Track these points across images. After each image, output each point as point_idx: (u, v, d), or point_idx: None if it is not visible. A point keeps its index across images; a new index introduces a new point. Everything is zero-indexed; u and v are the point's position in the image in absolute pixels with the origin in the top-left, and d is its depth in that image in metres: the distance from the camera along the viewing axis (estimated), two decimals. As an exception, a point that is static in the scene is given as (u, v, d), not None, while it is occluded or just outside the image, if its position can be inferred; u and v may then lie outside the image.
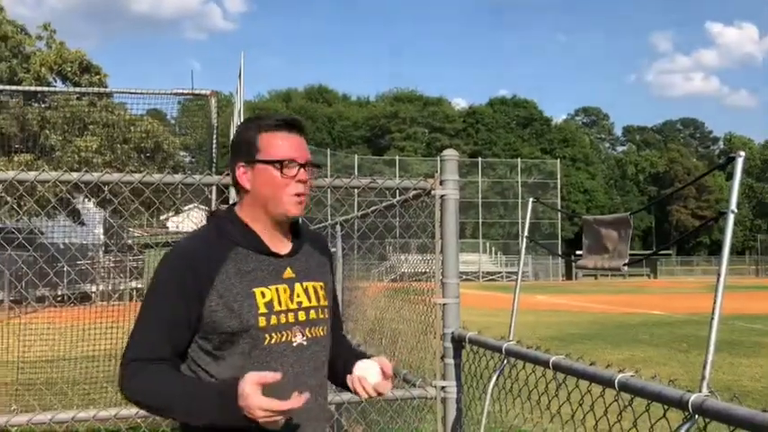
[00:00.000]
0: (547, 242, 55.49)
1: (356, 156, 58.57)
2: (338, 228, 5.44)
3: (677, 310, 20.54)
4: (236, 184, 1.74)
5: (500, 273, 54.80)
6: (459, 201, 3.04)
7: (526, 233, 2.72)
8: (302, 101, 71.92)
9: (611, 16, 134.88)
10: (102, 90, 17.60)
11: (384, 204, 3.58)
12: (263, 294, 1.66)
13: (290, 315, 1.69)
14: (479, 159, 61.94)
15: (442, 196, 3.00)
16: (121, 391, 1.65)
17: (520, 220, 56.38)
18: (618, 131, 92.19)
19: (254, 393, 1.50)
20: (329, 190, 3.06)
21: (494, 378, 2.50)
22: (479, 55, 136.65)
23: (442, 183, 3.01)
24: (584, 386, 1.92)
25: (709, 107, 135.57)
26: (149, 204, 3.52)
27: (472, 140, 70.64)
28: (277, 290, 1.69)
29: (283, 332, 1.68)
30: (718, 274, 1.43)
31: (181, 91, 7.57)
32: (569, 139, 72.41)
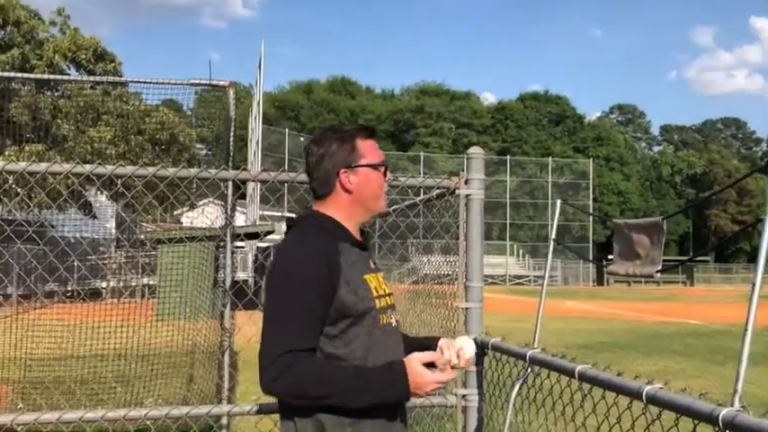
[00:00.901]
0: (577, 245, 55.07)
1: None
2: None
3: (714, 319, 20.29)
4: (332, 187, 1.97)
5: (528, 276, 54.53)
6: (484, 201, 3.04)
7: (554, 235, 2.72)
8: (324, 93, 72.17)
9: (650, 9, 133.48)
10: (116, 79, 17.80)
11: (406, 203, 3.59)
12: (369, 281, 1.92)
13: (387, 299, 1.98)
14: (508, 157, 61.68)
15: (467, 196, 3.00)
16: (270, 385, 1.76)
17: (549, 222, 56.03)
18: (655, 130, 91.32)
19: (426, 371, 1.81)
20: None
21: (516, 387, 2.50)
22: (510, 48, 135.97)
23: (467, 182, 3.01)
24: (610, 398, 1.92)
25: (753, 106, 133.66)
26: (163, 199, 3.57)
27: (501, 137, 70.36)
28: (376, 278, 1.97)
29: (387, 314, 1.96)
30: (753, 284, 1.42)
31: (198, 81, 7.64)
32: (603, 138, 71.80)
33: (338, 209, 1.99)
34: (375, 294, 1.91)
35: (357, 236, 2.02)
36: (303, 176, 3.14)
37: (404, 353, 1.97)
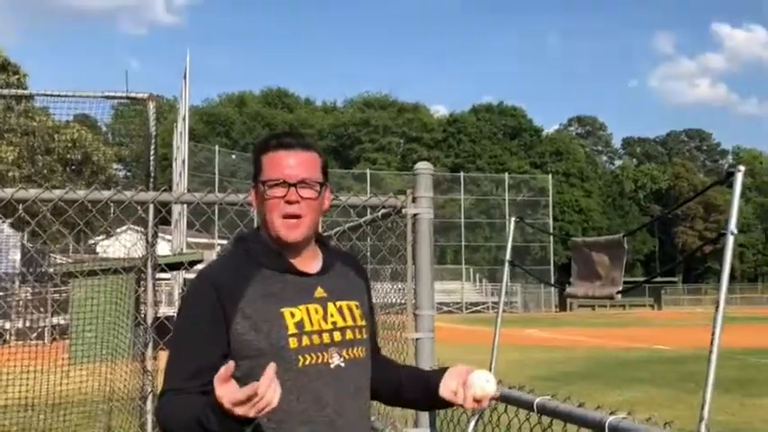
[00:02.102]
0: (537, 268, 55.93)
1: (319, 169, 58.61)
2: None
3: (684, 344, 20.78)
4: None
5: (485, 303, 55.04)
6: (436, 221, 3.06)
7: (509, 257, 2.76)
8: (258, 106, 71.98)
9: (609, 15, 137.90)
10: (20, 92, 17.39)
11: (348, 225, 3.60)
12: (291, 315, 1.81)
13: (325, 336, 1.83)
14: (462, 174, 62.41)
15: (415, 215, 3.02)
16: (158, 422, 1.82)
17: (506, 243, 56.78)
18: (616, 143, 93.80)
19: (218, 387, 1.55)
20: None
21: (472, 423, 2.51)
22: (461, 57, 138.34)
23: (414, 200, 3.03)
24: (572, 431, 1.94)
25: (717, 117, 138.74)
26: (74, 226, 3.48)
27: (453, 152, 71.26)
28: (307, 309, 1.83)
29: (318, 353, 1.81)
30: (717, 303, 1.47)
31: (114, 94, 7.52)
32: (562, 152, 73.44)
33: (263, 229, 1.93)
34: (295, 331, 1.79)
35: (302, 259, 1.90)
36: (233, 197, 3.11)
37: (365, 393, 1.91)
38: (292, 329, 1.79)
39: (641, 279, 64.74)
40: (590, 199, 71.51)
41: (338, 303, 1.88)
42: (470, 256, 60.37)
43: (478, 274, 59.41)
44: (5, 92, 16.97)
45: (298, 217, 1.84)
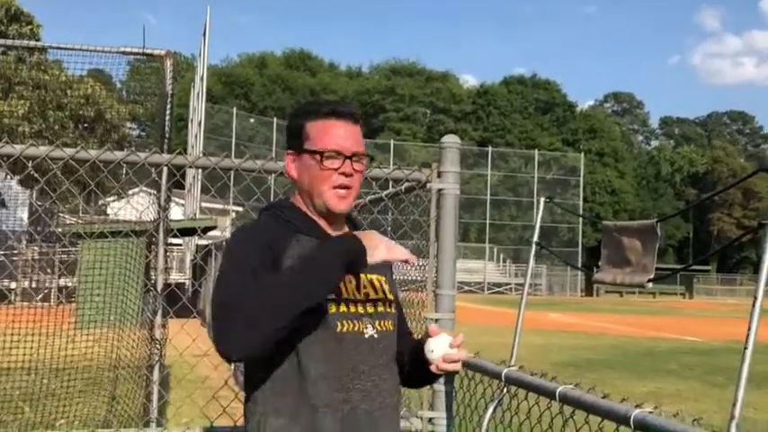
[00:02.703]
0: (564, 250, 55.76)
1: (341, 137, 58.51)
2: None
3: (714, 336, 20.71)
4: (286, 173, 2.02)
5: (508, 284, 55.02)
6: (460, 197, 3.05)
7: (537, 238, 2.74)
8: (280, 68, 71.78)
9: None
10: (33, 44, 17.45)
11: (370, 198, 3.59)
12: None
13: (360, 305, 1.92)
14: (489, 148, 62.13)
15: (440, 191, 3.01)
16: (226, 340, 1.69)
17: (534, 223, 56.61)
18: (654, 123, 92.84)
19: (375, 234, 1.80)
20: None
21: (490, 410, 2.52)
22: (493, 25, 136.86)
23: (440, 174, 3.02)
24: (594, 422, 1.95)
25: (762, 99, 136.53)
26: (85, 185, 3.50)
27: (482, 125, 70.84)
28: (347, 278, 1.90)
29: (354, 321, 1.89)
30: (755, 297, 1.45)
31: (130, 50, 7.53)
32: (596, 130, 72.75)
33: (297, 198, 2.01)
34: (333, 297, 1.85)
35: (334, 229, 1.98)
36: (250, 163, 3.11)
37: (395, 366, 2.00)
38: (330, 294, 1.83)
39: (674, 267, 64.34)
40: (623, 180, 70.91)
41: (369, 276, 1.96)
42: (495, 234, 60.26)
43: (502, 254, 59.31)
44: (17, 43, 17.03)
45: (348, 188, 1.94)
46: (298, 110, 2.02)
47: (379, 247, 1.79)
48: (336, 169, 1.92)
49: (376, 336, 1.92)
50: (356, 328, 1.89)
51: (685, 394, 10.81)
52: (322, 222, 1.96)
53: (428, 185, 3.04)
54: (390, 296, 2.01)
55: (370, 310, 1.94)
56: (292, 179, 2.00)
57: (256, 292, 1.70)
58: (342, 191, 1.93)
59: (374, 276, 1.99)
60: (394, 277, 2.18)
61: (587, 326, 24.52)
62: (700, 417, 1.65)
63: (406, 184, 3.16)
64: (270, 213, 1.99)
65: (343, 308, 1.88)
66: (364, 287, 1.95)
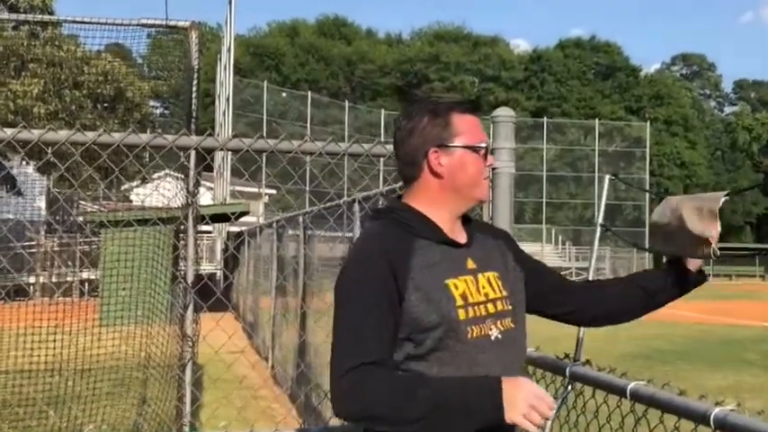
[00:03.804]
0: (629, 230, 55.10)
1: (383, 111, 58.46)
2: (356, 207, 5.45)
3: (801, 323, 20.41)
4: (420, 170, 2.09)
5: (569, 268, 54.56)
6: (515, 175, 3.03)
7: (601, 219, 2.72)
8: (313, 37, 71.83)
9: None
10: (47, 18, 17.70)
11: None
12: (455, 286, 2.01)
13: (482, 308, 2.04)
14: (545, 119, 61.53)
15: (494, 170, 3.00)
16: (345, 407, 1.88)
17: (596, 201, 56.09)
18: (727, 87, 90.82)
19: (526, 382, 1.85)
20: (345, 157, 3.06)
21: (554, 410, 2.51)
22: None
23: (492, 152, 3.00)
24: (670, 421, 1.94)
25: None
26: (107, 171, 3.57)
27: (536, 94, 70.18)
28: (466, 281, 2.04)
29: (481, 325, 2.02)
30: None
31: (151, 21, 7.59)
32: (663, 96, 71.58)
33: (426, 197, 2.10)
34: (461, 302, 1.99)
35: (455, 229, 2.12)
36: (286, 144, 3.13)
37: (521, 366, 2.16)
38: (459, 301, 1.98)
39: (751, 246, 63.19)
40: (694, 151, 69.72)
41: (486, 274, 2.09)
42: (552, 214, 59.77)
43: (561, 236, 58.83)
44: (30, 17, 17.27)
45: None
46: (438, 105, 2.13)
47: (517, 407, 1.79)
48: (485, 162, 2.13)
49: (500, 337, 2.04)
50: (483, 332, 2.02)
51: (769, 387, 10.70)
52: (445, 225, 2.08)
53: (480, 164, 3.02)
54: (504, 293, 2.11)
55: (492, 310, 2.05)
56: (436, 176, 2.08)
57: (393, 385, 1.84)
58: (488, 182, 2.25)
59: (491, 274, 2.11)
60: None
61: (657, 313, 23.62)
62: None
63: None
64: (387, 219, 2.10)
65: (471, 312, 2.00)
66: (483, 287, 2.06)
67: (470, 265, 2.07)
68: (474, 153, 2.09)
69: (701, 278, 2.34)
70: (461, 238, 2.12)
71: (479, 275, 2.07)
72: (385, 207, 2.19)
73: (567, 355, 2.54)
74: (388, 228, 2.06)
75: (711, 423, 1.72)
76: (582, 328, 2.58)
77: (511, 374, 1.95)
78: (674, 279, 2.32)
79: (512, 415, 1.79)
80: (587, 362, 2.42)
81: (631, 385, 2.08)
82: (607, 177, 2.72)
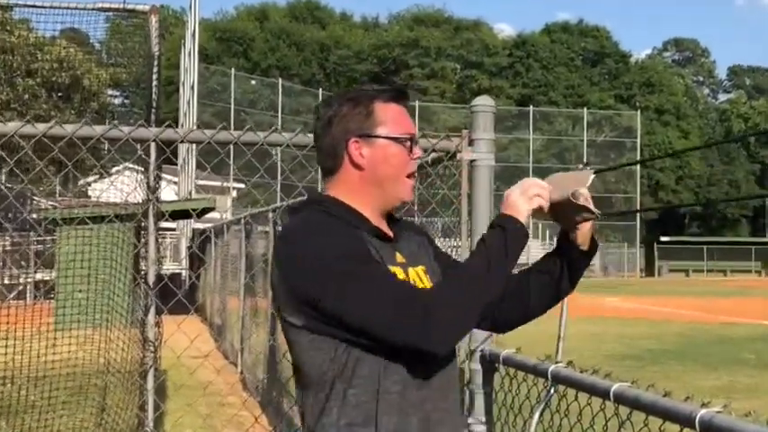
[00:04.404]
0: (620, 224, 55.50)
1: (357, 99, 58.48)
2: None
3: (799, 321, 20.61)
4: (340, 161, 2.07)
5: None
6: (495, 167, 3.05)
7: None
8: (284, 20, 71.62)
9: None
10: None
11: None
12: (396, 274, 2.00)
13: None
14: (530, 108, 61.76)
15: (472, 162, 3.02)
16: (437, 336, 1.87)
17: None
18: (721, 73, 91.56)
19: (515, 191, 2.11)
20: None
21: (537, 413, 2.53)
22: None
23: (471, 143, 3.02)
24: (655, 424, 1.96)
25: None
26: (62, 165, 3.54)
27: (521, 81, 70.40)
28: (412, 272, 2.07)
29: None
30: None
31: (109, 5, 7.55)
32: (654, 83, 72.06)
33: (347, 189, 2.07)
34: None
35: (382, 224, 2.10)
36: (251, 135, 3.13)
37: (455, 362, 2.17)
38: None
39: (745, 240, 63.51)
40: (687, 141, 70.23)
41: (416, 269, 2.10)
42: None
43: (548, 230, 59.08)
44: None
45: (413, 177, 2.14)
46: (361, 92, 2.11)
47: (517, 205, 2.09)
48: (414, 155, 2.11)
49: None
50: None
51: (764, 388, 10.77)
52: (373, 219, 2.06)
53: (458, 156, 3.04)
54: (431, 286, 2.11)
55: None
56: (357, 167, 2.06)
57: (462, 278, 1.97)
58: (412, 180, 2.13)
59: (420, 268, 2.12)
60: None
61: (648, 311, 24.47)
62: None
63: (433, 155, 3.16)
64: (319, 209, 2.04)
65: None
66: (414, 282, 2.06)
67: (400, 258, 2.06)
68: (398, 145, 2.06)
69: (593, 246, 2.28)
70: (388, 232, 2.11)
71: (409, 269, 2.06)
72: (308, 199, 2.15)
73: (548, 357, 2.56)
74: (321, 216, 2.02)
75: (697, 425, 1.73)
76: (562, 328, 2.60)
77: (450, 369, 2.07)
78: (569, 255, 2.26)
79: (521, 207, 2.08)
80: (570, 363, 2.44)
81: (615, 387, 2.09)
82: (579, 166, 2.68)
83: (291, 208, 2.20)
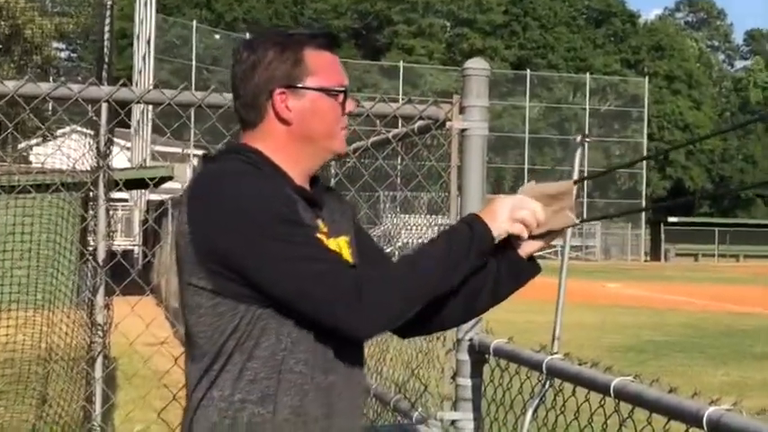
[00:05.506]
0: (624, 202, 55.75)
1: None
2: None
3: (817, 312, 20.79)
4: (263, 113, 2.03)
5: (554, 246, 55.09)
6: (488, 137, 3.05)
7: (576, 175, 2.69)
8: (252, -31, 71.05)
9: None
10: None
11: (373, 140, 3.59)
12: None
13: None
14: (527, 72, 61.78)
15: (463, 131, 3.01)
16: (380, 316, 1.91)
17: (585, 168, 56.49)
18: (738, 38, 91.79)
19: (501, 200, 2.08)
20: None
21: (530, 410, 2.55)
22: None
23: (462, 110, 3.02)
24: (659, 423, 1.97)
25: None
26: (0, 126, 3.52)
27: (517, 42, 70.31)
28: (334, 243, 2.05)
29: None
30: None
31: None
32: (665, 47, 72.17)
33: (272, 145, 2.03)
34: None
35: (304, 184, 2.06)
36: (216, 97, 3.12)
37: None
38: None
39: (760, 222, 63.71)
40: (699, 112, 70.52)
41: (337, 240, 2.06)
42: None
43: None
44: None
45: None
46: (288, 37, 2.06)
47: (497, 219, 2.04)
48: (343, 108, 2.07)
49: None
50: None
51: (777, 384, 10.91)
52: (298, 179, 2.03)
53: (447, 124, 3.04)
54: (353, 263, 2.09)
55: None
56: (283, 122, 2.02)
57: (405, 265, 2.00)
58: (346, 131, 2.11)
59: (342, 239, 2.09)
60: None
61: (653, 299, 24.59)
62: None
63: (420, 123, 3.16)
64: (241, 160, 2.00)
65: None
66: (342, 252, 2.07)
67: (322, 227, 2.03)
68: (330, 98, 2.03)
69: (534, 268, 2.21)
70: (313, 196, 2.07)
71: (331, 239, 2.03)
72: (227, 148, 2.12)
73: (543, 347, 2.57)
74: (244, 166, 1.98)
75: (704, 425, 1.75)
76: (559, 315, 2.61)
77: (357, 352, 2.08)
78: (506, 269, 2.17)
79: (496, 226, 2.03)
80: (566, 355, 2.45)
81: (616, 381, 2.10)
82: (577, 139, 2.67)
83: (206, 157, 2.11)
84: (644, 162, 59.62)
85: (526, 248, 2.15)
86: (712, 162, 70.30)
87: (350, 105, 2.09)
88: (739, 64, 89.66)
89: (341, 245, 2.07)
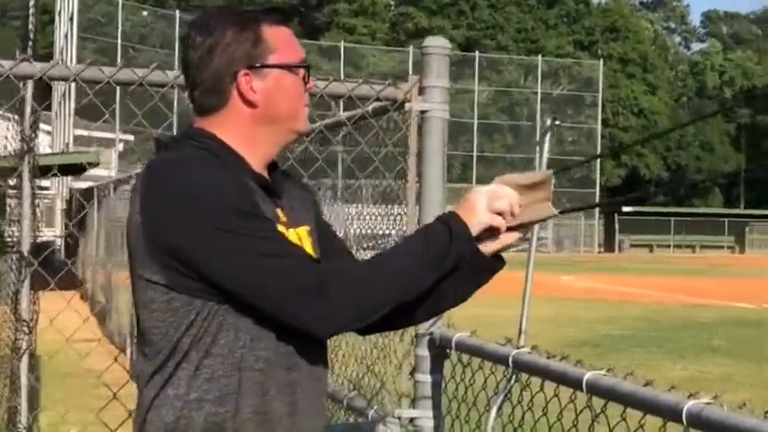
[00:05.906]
0: (577, 192, 56.24)
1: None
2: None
3: (774, 302, 21.17)
4: (226, 98, 2.02)
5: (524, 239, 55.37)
6: (448, 121, 3.06)
7: (543, 167, 2.74)
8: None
9: None
10: None
11: (322, 123, 3.58)
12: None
13: None
14: (476, 54, 61.91)
15: (423, 113, 3.02)
16: (341, 314, 1.91)
17: (536, 155, 56.83)
18: (695, 20, 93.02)
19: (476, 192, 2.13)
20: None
21: (495, 406, 2.56)
22: None
23: (422, 91, 3.02)
24: (633, 419, 1.97)
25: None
26: None
27: (465, 22, 70.45)
28: (294, 233, 2.07)
29: None
30: None
31: None
32: (619, 29, 72.80)
33: (234, 130, 2.03)
34: None
35: (263, 170, 2.06)
36: (159, 75, 3.08)
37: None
38: None
39: (717, 211, 64.50)
40: (654, 97, 71.32)
41: (297, 230, 2.08)
42: (484, 171, 60.31)
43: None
44: None
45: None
46: (243, 15, 2.05)
47: (476, 212, 2.06)
48: (306, 84, 2.10)
49: None
50: None
51: (737, 378, 11.08)
52: (258, 165, 2.03)
53: (406, 106, 3.04)
54: (316, 253, 2.10)
55: None
56: (248, 104, 2.01)
57: (374, 263, 2.02)
58: (308, 109, 2.12)
59: (302, 229, 2.11)
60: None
61: (607, 291, 24.90)
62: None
63: (376, 104, 3.15)
64: (197, 146, 2.00)
65: None
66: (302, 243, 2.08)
67: (282, 217, 2.04)
68: (293, 75, 2.05)
69: (499, 262, 2.20)
70: (272, 184, 2.08)
71: (290, 230, 2.04)
72: (181, 134, 2.11)
73: (508, 341, 2.58)
74: (199, 153, 1.98)
75: (684, 419, 1.76)
76: (525, 307, 2.63)
77: (320, 349, 2.09)
78: (470, 265, 2.14)
79: (475, 221, 2.04)
80: (534, 348, 2.46)
81: (588, 375, 2.11)
82: (548, 120, 2.73)
83: (159, 142, 2.09)
84: (598, 147, 59.95)
85: (503, 240, 2.14)
86: (668, 149, 71.15)
87: (312, 82, 2.13)
88: (696, 46, 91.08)
89: (301, 235, 2.08)
